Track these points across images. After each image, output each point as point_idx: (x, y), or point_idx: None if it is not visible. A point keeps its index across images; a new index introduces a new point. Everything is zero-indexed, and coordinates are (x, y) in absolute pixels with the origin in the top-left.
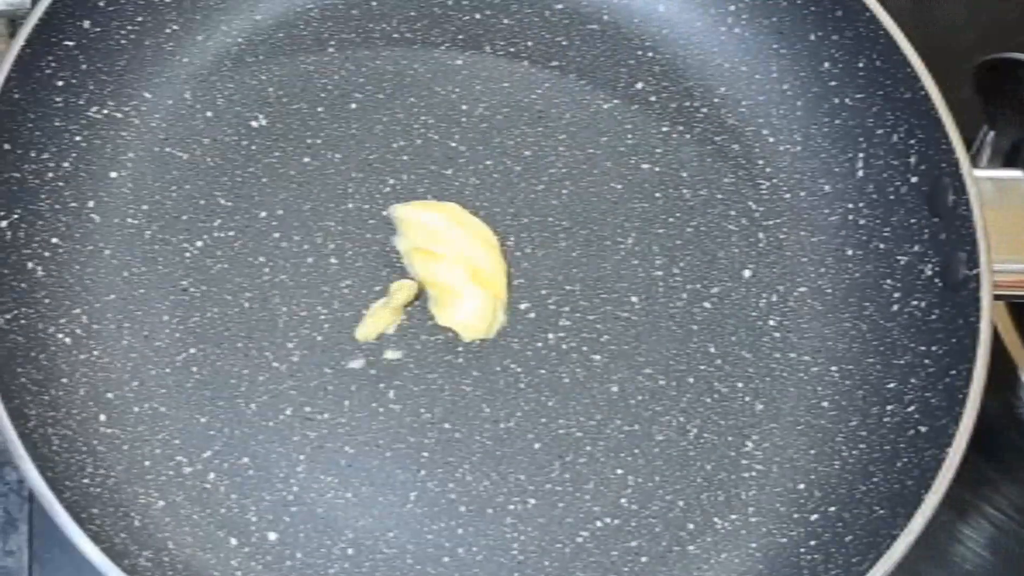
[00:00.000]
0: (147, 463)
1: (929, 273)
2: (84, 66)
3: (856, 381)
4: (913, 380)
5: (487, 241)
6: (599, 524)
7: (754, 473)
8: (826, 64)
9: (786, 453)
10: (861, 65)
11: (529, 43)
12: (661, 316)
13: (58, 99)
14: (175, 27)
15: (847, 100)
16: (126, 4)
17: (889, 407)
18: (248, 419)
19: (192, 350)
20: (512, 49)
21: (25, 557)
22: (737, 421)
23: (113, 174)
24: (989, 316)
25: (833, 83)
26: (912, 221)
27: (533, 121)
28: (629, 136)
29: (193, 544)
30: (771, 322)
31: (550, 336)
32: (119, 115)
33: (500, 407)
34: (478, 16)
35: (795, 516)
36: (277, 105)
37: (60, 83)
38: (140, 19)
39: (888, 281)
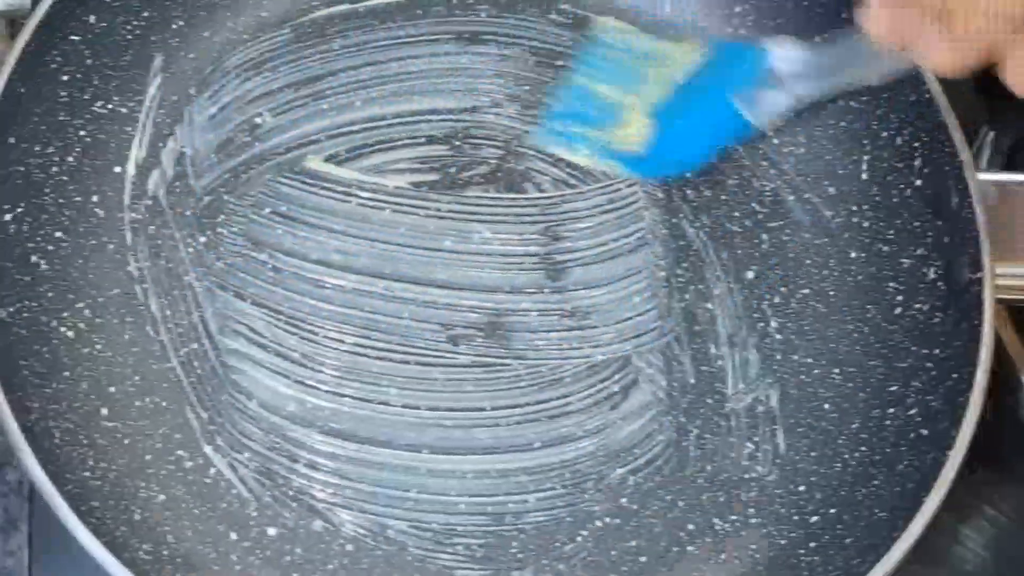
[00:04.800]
0: (148, 457)
1: (932, 276)
2: (89, 61)
3: (858, 384)
4: (915, 383)
5: None
6: (599, 524)
7: (755, 474)
8: None
9: (787, 455)
10: None
11: (533, 42)
12: (662, 317)
13: (63, 93)
14: (180, 23)
15: (852, 103)
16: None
17: (891, 410)
18: (250, 415)
19: (194, 345)
20: (516, 48)
21: (25, 557)
22: (738, 422)
23: (117, 169)
24: (991, 319)
25: None
26: (916, 224)
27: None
28: None
29: (193, 538)
30: (773, 324)
31: (551, 334)
32: (124, 110)
33: (500, 401)
34: (482, 15)
35: (795, 518)
36: (282, 102)
37: (65, 78)
38: (146, 15)
39: (891, 284)
